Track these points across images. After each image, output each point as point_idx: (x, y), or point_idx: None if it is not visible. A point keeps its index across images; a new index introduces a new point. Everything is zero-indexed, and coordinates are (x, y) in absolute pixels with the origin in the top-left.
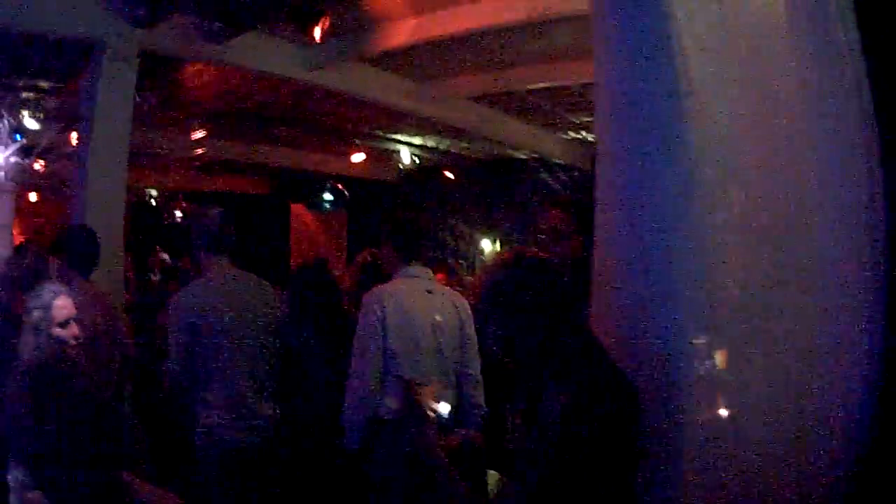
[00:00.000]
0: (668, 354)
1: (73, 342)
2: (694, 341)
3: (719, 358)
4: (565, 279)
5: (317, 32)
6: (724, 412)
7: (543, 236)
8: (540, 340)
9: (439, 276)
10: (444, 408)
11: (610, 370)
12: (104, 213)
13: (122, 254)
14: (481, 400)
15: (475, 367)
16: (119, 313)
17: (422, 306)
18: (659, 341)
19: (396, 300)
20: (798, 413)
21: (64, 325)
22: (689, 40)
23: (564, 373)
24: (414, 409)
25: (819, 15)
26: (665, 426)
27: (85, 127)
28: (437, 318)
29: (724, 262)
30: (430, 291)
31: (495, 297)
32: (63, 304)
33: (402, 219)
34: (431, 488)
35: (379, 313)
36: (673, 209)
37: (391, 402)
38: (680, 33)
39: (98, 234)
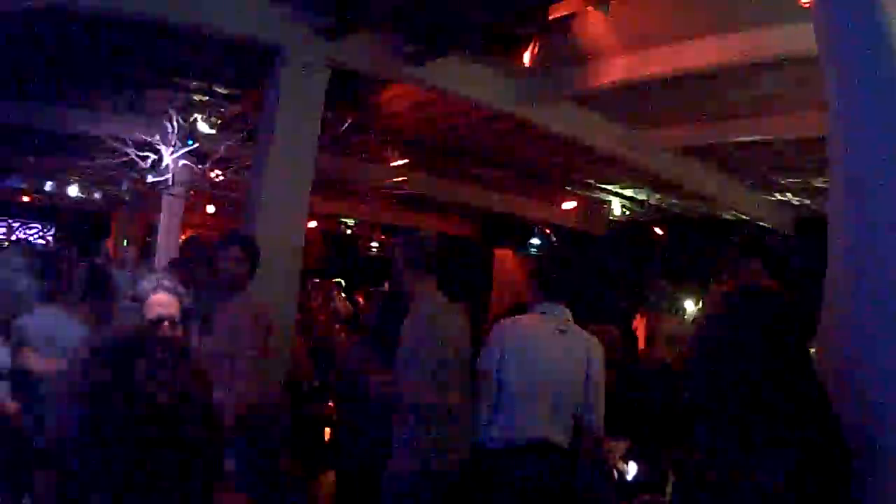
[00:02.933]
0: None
1: None
2: None
3: None
4: (801, 313)
5: (525, 57)
6: None
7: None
8: (766, 383)
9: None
10: (631, 468)
11: (837, 428)
12: (280, 231)
13: (298, 275)
14: (596, 450)
15: (597, 415)
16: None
17: (544, 344)
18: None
19: (518, 334)
20: None
21: (156, 322)
22: None
23: (790, 426)
24: (598, 464)
25: None
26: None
27: (265, 137)
28: (559, 357)
29: None
30: (561, 331)
31: (715, 331)
32: (159, 301)
33: (554, 257)
34: None
35: (498, 345)
36: None
37: (496, 432)
38: None
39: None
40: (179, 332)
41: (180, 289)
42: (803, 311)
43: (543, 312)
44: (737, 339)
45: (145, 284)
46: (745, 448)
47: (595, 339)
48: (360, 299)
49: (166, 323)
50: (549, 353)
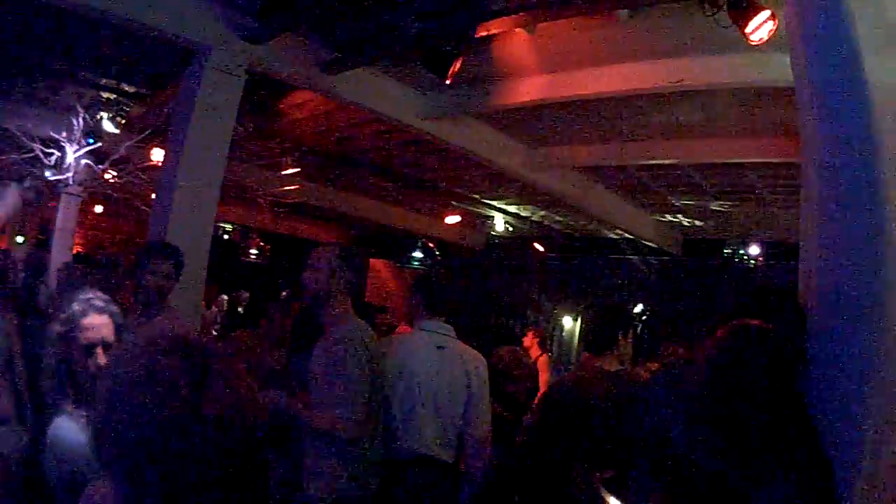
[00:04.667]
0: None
1: (92, 368)
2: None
3: None
4: (790, 350)
5: (447, 76)
6: None
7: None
8: (768, 419)
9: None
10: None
11: (825, 458)
12: (190, 233)
13: (202, 280)
14: (478, 465)
15: (480, 430)
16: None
17: (423, 360)
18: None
19: (399, 350)
20: None
21: (89, 350)
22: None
23: (790, 460)
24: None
25: None
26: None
27: (177, 138)
28: (437, 373)
29: None
30: (440, 347)
31: (721, 375)
32: (90, 325)
33: (435, 274)
34: None
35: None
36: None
37: (387, 446)
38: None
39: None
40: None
41: (112, 306)
42: (792, 347)
43: (423, 329)
44: (745, 377)
45: (75, 307)
46: (748, 474)
47: (476, 355)
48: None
49: (99, 349)
50: (428, 368)
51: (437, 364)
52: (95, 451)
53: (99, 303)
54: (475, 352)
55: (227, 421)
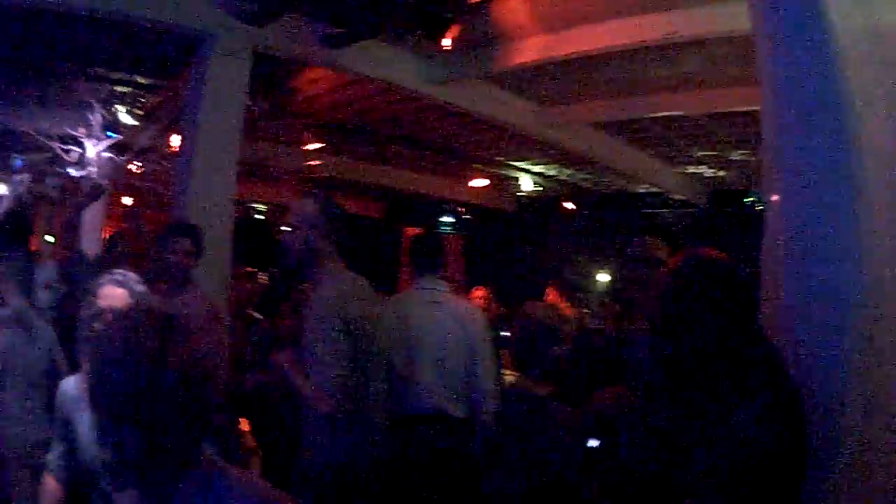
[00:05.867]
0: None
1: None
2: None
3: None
4: (746, 279)
5: (446, 42)
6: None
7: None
8: (724, 347)
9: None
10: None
11: (792, 384)
12: (210, 216)
13: (228, 259)
14: (488, 416)
15: (485, 382)
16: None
17: (419, 317)
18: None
19: (396, 310)
20: None
21: (99, 315)
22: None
23: (750, 386)
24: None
25: None
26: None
27: (191, 125)
28: (434, 329)
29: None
30: (435, 302)
31: (673, 300)
32: (105, 294)
33: (422, 235)
34: None
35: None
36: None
37: (394, 406)
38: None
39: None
40: None
41: (132, 282)
42: (747, 277)
43: (418, 287)
44: (700, 303)
45: (100, 280)
46: (715, 399)
47: (472, 308)
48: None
49: (105, 315)
50: (425, 324)
51: (434, 320)
52: (89, 396)
53: (119, 277)
54: (471, 306)
55: (186, 370)
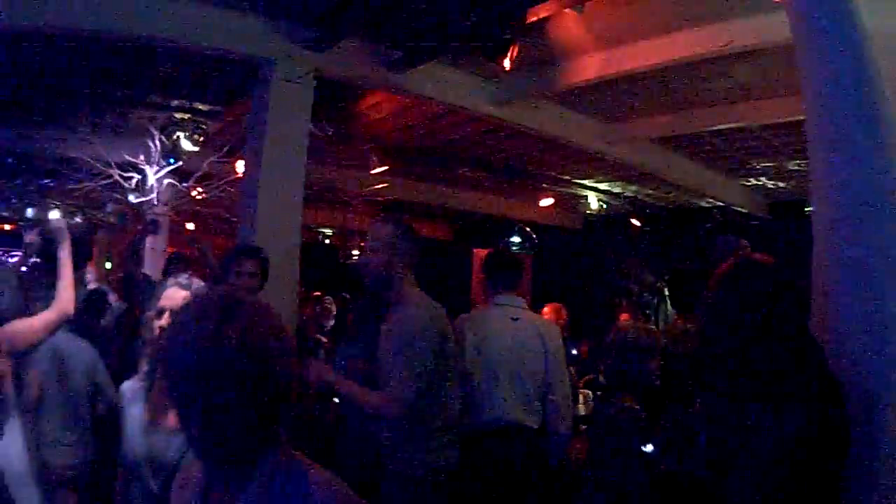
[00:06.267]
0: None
1: (157, 331)
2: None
3: None
4: (792, 281)
5: (506, 62)
6: None
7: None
8: (769, 349)
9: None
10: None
11: (837, 389)
12: (277, 240)
13: (296, 281)
14: (563, 427)
15: (560, 394)
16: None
17: (499, 332)
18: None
19: (476, 325)
20: None
21: (160, 313)
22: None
23: (797, 391)
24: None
25: None
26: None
27: (254, 148)
28: (513, 343)
29: None
30: (514, 318)
31: (720, 303)
32: (167, 295)
33: (498, 253)
34: None
35: (460, 338)
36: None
37: (470, 419)
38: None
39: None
40: None
41: (195, 284)
42: (794, 281)
43: (497, 304)
44: (744, 307)
45: (166, 282)
46: (757, 402)
47: (549, 322)
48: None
49: (167, 313)
50: (504, 339)
51: (513, 334)
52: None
53: (184, 280)
54: (547, 320)
55: (246, 344)
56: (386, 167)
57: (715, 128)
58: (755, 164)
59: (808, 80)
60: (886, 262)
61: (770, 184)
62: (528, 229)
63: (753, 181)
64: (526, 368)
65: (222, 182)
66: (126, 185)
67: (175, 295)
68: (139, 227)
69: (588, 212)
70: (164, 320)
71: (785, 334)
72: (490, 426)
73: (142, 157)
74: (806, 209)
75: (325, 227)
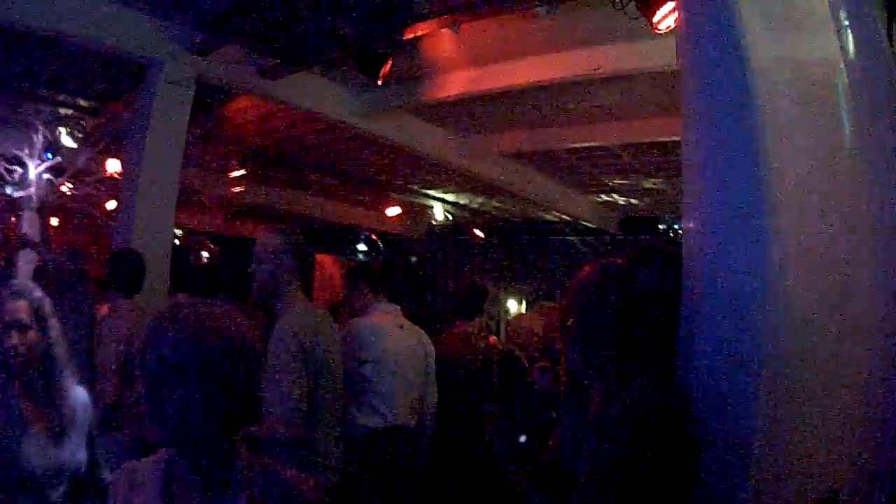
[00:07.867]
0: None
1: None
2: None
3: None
4: (642, 283)
5: (379, 75)
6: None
7: None
8: (614, 346)
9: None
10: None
11: (673, 389)
12: (152, 239)
13: (167, 282)
14: (431, 427)
15: (433, 397)
16: None
17: (390, 338)
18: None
19: (370, 330)
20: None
21: (7, 329)
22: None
23: (628, 387)
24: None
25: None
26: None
27: (135, 149)
28: (402, 349)
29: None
30: (401, 326)
31: (574, 303)
32: (10, 309)
33: (387, 261)
34: None
35: (356, 342)
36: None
37: (366, 421)
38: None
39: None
40: (33, 334)
41: (33, 293)
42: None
43: (380, 311)
44: (596, 306)
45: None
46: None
47: (425, 333)
48: None
49: (13, 331)
50: (396, 345)
51: (402, 340)
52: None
53: (18, 287)
54: (422, 331)
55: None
56: (243, 171)
57: (572, 146)
58: (608, 181)
59: (690, 100)
60: (751, 278)
61: (622, 200)
62: (374, 237)
63: (605, 197)
64: (413, 373)
65: (92, 179)
66: (9, 178)
67: (13, 306)
68: (13, 245)
69: (433, 221)
70: (14, 339)
71: (632, 336)
72: (379, 427)
73: (25, 151)
74: (659, 226)
75: (177, 227)
